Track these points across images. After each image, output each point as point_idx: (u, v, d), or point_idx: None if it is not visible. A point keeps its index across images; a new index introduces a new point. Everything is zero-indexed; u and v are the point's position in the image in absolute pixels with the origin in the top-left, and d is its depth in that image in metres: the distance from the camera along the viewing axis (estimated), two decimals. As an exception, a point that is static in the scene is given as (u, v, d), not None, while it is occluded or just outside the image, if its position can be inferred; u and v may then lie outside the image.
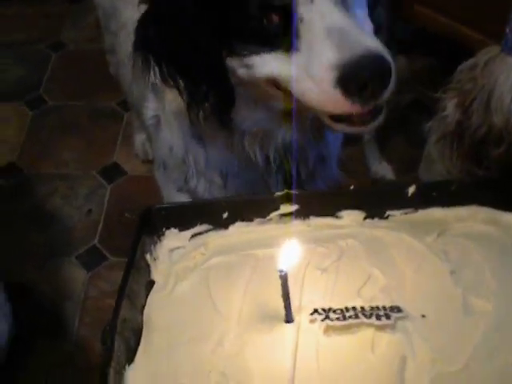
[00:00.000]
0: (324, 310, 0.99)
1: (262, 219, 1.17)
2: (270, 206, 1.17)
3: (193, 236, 1.16)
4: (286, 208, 1.16)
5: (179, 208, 1.19)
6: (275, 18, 1.14)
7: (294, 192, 1.16)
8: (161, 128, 1.55)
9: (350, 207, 1.16)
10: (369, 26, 1.20)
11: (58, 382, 2.13)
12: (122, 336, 0.99)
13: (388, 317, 0.96)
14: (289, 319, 0.99)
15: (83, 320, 2.40)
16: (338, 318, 0.97)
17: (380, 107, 1.16)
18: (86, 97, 3.28)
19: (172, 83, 1.27)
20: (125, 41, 1.46)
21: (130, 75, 1.76)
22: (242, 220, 1.17)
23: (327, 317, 0.97)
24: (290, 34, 1.13)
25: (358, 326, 0.96)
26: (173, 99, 1.42)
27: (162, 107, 1.52)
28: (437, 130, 1.42)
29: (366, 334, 0.96)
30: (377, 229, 1.13)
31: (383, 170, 2.69)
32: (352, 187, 1.17)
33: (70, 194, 2.86)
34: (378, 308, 0.98)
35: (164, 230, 1.16)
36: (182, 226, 1.16)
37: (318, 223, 1.16)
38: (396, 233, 1.11)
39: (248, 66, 1.19)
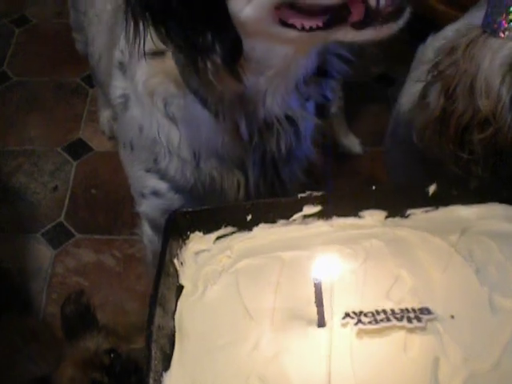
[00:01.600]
0: (355, 313, 1.01)
1: (285, 220, 1.19)
2: (293, 207, 1.18)
3: (217, 238, 1.18)
4: (308, 209, 1.18)
5: (203, 211, 1.20)
6: None
7: (316, 193, 1.17)
8: (130, 107, 1.52)
9: (372, 207, 1.18)
10: None
11: (23, 357, 2.07)
12: (158, 343, 1.01)
13: (419, 319, 0.98)
14: (321, 324, 1.01)
15: (50, 297, 2.41)
16: (370, 322, 0.99)
17: (402, 6, 1.13)
18: (51, 72, 3.26)
19: (172, 41, 1.22)
20: (94, 19, 1.44)
21: (97, 53, 1.77)
22: (266, 222, 1.19)
23: (359, 321, 0.99)
24: None
25: (390, 328, 0.99)
26: (146, 79, 1.40)
27: (131, 86, 1.49)
28: (419, 117, 1.41)
29: (397, 337, 0.98)
30: (399, 228, 1.15)
31: (351, 143, 2.73)
32: (374, 187, 1.18)
33: (34, 171, 2.86)
34: (407, 310, 1.00)
35: (189, 233, 1.17)
36: (207, 229, 1.18)
37: (341, 223, 1.18)
38: (419, 232, 1.13)
39: None
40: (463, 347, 0.96)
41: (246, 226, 1.18)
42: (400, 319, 0.99)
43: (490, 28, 1.23)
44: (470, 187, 1.17)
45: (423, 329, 0.98)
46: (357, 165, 2.74)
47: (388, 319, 0.99)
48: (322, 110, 1.42)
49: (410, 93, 1.59)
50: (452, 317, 1.00)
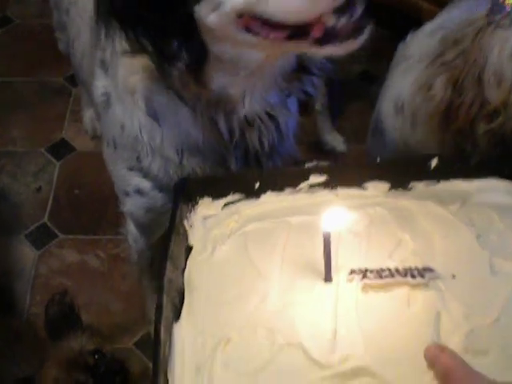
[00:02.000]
0: (361, 270, 1.04)
1: (292, 189, 1.22)
2: (299, 176, 1.22)
3: (225, 205, 1.21)
4: (315, 178, 1.21)
5: (212, 178, 1.24)
6: None
7: (322, 163, 1.21)
8: (111, 105, 1.51)
9: (375, 178, 1.21)
10: None
11: (7, 358, 2.08)
12: (169, 296, 1.04)
13: (422, 276, 1.02)
14: (328, 278, 1.04)
15: (34, 298, 2.39)
16: (375, 277, 1.03)
17: (363, 24, 1.14)
18: (33, 72, 3.23)
19: (142, 45, 1.24)
20: (76, 18, 1.43)
21: (80, 52, 1.75)
22: (273, 190, 1.22)
23: (365, 276, 1.03)
24: None
25: (394, 284, 1.02)
26: (126, 76, 1.40)
27: (113, 84, 1.49)
28: (421, 110, 1.43)
29: (401, 292, 1.02)
30: (402, 198, 1.19)
31: (335, 140, 2.74)
32: (378, 160, 1.22)
33: (17, 172, 2.82)
34: (411, 268, 1.04)
35: (198, 198, 1.20)
36: (215, 195, 1.21)
37: (346, 193, 1.21)
38: (421, 202, 1.17)
39: (217, 6, 1.16)
40: (464, 304, 1.00)
41: (254, 194, 1.21)
42: (404, 275, 1.02)
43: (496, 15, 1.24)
44: (470, 163, 1.21)
45: (426, 285, 1.02)
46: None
47: (392, 275, 1.03)
48: (305, 107, 1.41)
49: (391, 95, 1.61)
50: (453, 276, 1.04)
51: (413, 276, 1.02)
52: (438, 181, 1.21)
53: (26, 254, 2.54)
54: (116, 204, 1.73)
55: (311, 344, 0.97)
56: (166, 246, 1.08)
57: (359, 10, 1.12)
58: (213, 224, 1.18)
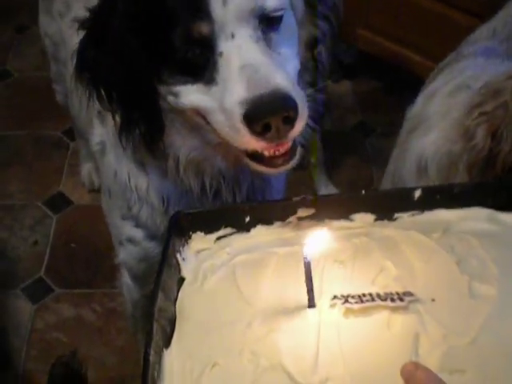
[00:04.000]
0: (343, 295, 1.08)
1: (281, 222, 1.26)
2: (288, 209, 1.26)
3: (217, 239, 1.25)
4: (303, 212, 1.26)
5: (204, 213, 1.29)
6: (197, 51, 1.20)
7: (309, 197, 1.26)
8: (107, 154, 1.57)
9: (362, 210, 1.26)
10: (293, 65, 1.26)
11: None
12: (159, 323, 1.07)
13: (401, 300, 1.06)
14: (311, 304, 1.08)
15: (30, 353, 2.39)
16: (356, 302, 1.06)
17: (294, 149, 1.23)
18: (31, 126, 3.27)
19: (108, 107, 1.32)
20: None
21: (77, 102, 1.80)
22: (263, 223, 1.26)
23: (346, 301, 1.07)
24: (211, 67, 1.20)
25: (375, 308, 1.06)
26: (115, 124, 1.45)
27: (106, 133, 1.55)
28: (461, 160, 1.50)
29: (381, 316, 1.05)
30: (387, 228, 1.23)
31: (331, 193, 2.75)
32: (363, 192, 1.27)
33: (14, 225, 2.83)
34: (391, 293, 1.08)
35: (191, 233, 1.25)
36: (208, 230, 1.25)
37: (333, 225, 1.25)
38: (405, 231, 1.21)
39: (174, 95, 1.25)
40: (442, 325, 1.03)
41: (245, 228, 1.25)
42: (384, 300, 1.06)
43: None
44: (452, 192, 1.25)
45: (405, 308, 1.05)
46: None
47: (373, 299, 1.06)
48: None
49: (412, 158, 1.68)
50: (433, 300, 1.07)
51: (392, 300, 1.06)
52: (423, 211, 1.25)
53: (22, 308, 2.54)
54: (111, 257, 1.77)
55: (293, 366, 1.00)
56: (158, 277, 1.13)
57: (288, 145, 1.21)
58: (205, 257, 1.23)
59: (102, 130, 1.59)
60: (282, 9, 1.25)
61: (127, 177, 1.52)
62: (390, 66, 3.12)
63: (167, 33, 1.20)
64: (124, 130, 1.33)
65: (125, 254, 1.70)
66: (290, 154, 1.24)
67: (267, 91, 1.12)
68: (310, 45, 1.42)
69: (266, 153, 1.22)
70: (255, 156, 1.25)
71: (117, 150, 1.52)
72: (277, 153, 1.22)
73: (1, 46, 3.82)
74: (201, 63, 1.21)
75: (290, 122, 1.14)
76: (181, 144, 1.39)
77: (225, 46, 1.18)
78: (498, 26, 1.98)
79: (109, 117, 1.48)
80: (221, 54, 1.19)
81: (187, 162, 1.41)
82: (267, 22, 1.23)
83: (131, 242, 1.64)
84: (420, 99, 1.84)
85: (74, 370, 1.96)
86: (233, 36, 1.18)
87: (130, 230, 1.61)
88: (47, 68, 2.49)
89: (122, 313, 2.28)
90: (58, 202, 2.95)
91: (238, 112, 1.14)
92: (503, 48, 1.87)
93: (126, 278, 1.88)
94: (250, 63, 1.16)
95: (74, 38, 1.62)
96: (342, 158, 3.02)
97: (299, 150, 1.25)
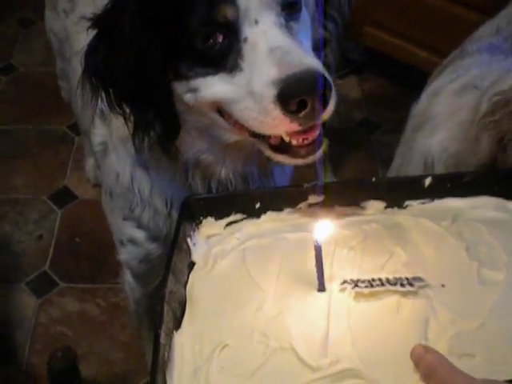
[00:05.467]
0: (353, 280, 1.09)
1: (291, 209, 1.27)
2: (299, 196, 1.26)
3: (228, 224, 1.26)
4: (313, 198, 1.26)
5: (216, 198, 1.30)
6: (220, 38, 1.19)
7: (320, 184, 1.26)
8: (108, 155, 1.56)
9: (372, 198, 1.26)
10: (311, 55, 1.22)
11: None
12: (170, 305, 1.08)
13: (411, 284, 1.07)
14: (321, 288, 1.09)
15: (34, 347, 2.38)
16: (366, 286, 1.07)
17: (320, 139, 1.21)
18: (37, 120, 3.25)
19: (118, 110, 1.30)
20: (78, 67, 1.46)
21: (81, 102, 1.75)
22: (273, 210, 1.27)
23: (356, 285, 1.07)
24: (234, 54, 1.18)
25: (384, 293, 1.07)
26: (120, 125, 1.43)
27: (109, 133, 1.54)
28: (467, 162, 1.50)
29: (391, 300, 1.06)
30: (397, 215, 1.23)
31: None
32: (373, 179, 1.27)
33: (19, 220, 2.83)
34: (401, 278, 1.08)
35: (201, 218, 1.26)
36: (218, 215, 1.26)
37: (343, 211, 1.26)
38: (414, 218, 1.22)
39: (193, 90, 1.23)
40: (451, 310, 1.04)
41: (255, 214, 1.26)
42: (394, 284, 1.07)
43: None
44: (462, 181, 1.25)
45: (415, 293, 1.06)
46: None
47: (383, 284, 1.07)
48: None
49: (418, 155, 1.69)
50: (442, 285, 1.08)
51: (402, 285, 1.07)
52: (433, 199, 1.25)
53: (27, 302, 2.54)
54: (116, 252, 1.76)
55: (303, 348, 1.01)
56: (168, 260, 1.13)
57: (316, 133, 1.18)
58: (215, 242, 1.23)
59: (104, 131, 1.58)
60: None
61: (130, 179, 1.51)
62: (397, 62, 3.12)
63: (187, 21, 1.19)
64: (138, 131, 1.31)
65: (126, 254, 1.69)
66: (316, 144, 1.21)
67: (301, 69, 1.10)
68: (318, 46, 1.41)
69: (294, 141, 1.19)
70: (279, 147, 1.23)
71: (119, 152, 1.51)
72: (305, 141, 1.19)
73: (6, 40, 3.81)
74: (223, 51, 1.19)
75: (324, 101, 1.12)
76: (190, 146, 1.38)
77: (249, 32, 1.17)
78: (502, 23, 1.99)
79: (112, 118, 1.48)
80: (245, 39, 1.17)
81: (195, 166, 1.41)
82: (289, 9, 1.22)
83: (132, 242, 1.63)
84: (424, 96, 1.85)
85: (71, 364, 2.00)
86: (256, 22, 1.17)
87: (131, 230, 1.60)
88: (52, 63, 2.47)
89: (126, 308, 2.27)
90: (63, 197, 2.94)
91: (270, 93, 1.11)
92: (507, 45, 1.87)
93: (127, 277, 1.88)
94: (279, 45, 1.15)
95: (79, 37, 1.65)
96: (347, 154, 3.02)
97: (326, 140, 1.23)
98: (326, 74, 1.12)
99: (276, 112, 1.12)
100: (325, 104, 1.13)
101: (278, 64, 1.12)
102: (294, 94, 1.10)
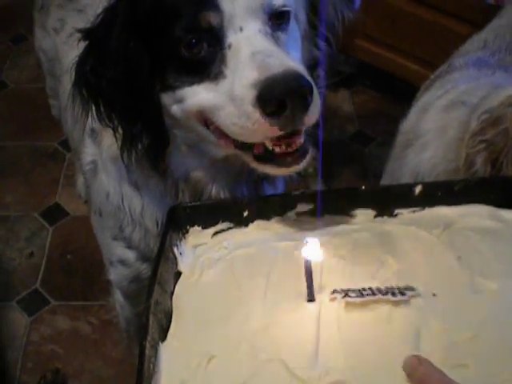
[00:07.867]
0: (343, 290, 1.07)
1: (279, 217, 1.24)
2: (287, 204, 1.24)
3: (215, 233, 1.24)
4: (302, 207, 1.24)
5: (202, 206, 1.27)
6: (205, 45, 1.18)
7: (308, 192, 1.24)
8: (98, 174, 1.54)
9: (362, 206, 1.24)
10: (297, 63, 1.20)
11: None
12: (155, 316, 1.06)
13: (403, 294, 1.04)
14: (311, 298, 1.06)
15: (25, 365, 2.36)
16: (356, 296, 1.05)
17: (305, 148, 1.19)
18: (27, 137, 3.24)
19: (108, 122, 1.28)
20: (68, 85, 1.43)
21: (71, 120, 1.75)
22: (261, 218, 1.24)
23: (346, 295, 1.05)
24: (218, 61, 1.17)
25: (376, 302, 1.04)
26: (110, 144, 1.42)
27: (99, 152, 1.52)
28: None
29: (382, 310, 1.04)
30: (387, 224, 1.21)
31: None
32: (363, 187, 1.25)
33: (10, 237, 2.80)
34: (392, 288, 1.06)
35: (188, 227, 1.23)
36: (205, 224, 1.23)
37: (332, 220, 1.24)
38: (405, 226, 1.20)
39: (180, 101, 1.22)
40: (444, 320, 1.02)
41: (243, 222, 1.24)
42: (385, 294, 1.04)
43: None
44: (453, 189, 1.23)
45: (406, 303, 1.04)
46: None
47: (374, 294, 1.05)
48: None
49: (408, 173, 1.68)
50: (434, 295, 1.06)
51: (393, 294, 1.04)
52: (423, 208, 1.23)
53: (18, 320, 2.52)
54: (106, 272, 1.74)
55: (293, 360, 0.98)
56: (154, 270, 1.11)
57: (300, 140, 1.16)
58: (202, 251, 1.21)
59: (94, 150, 1.56)
60: (289, 6, 1.24)
61: (120, 198, 1.49)
62: (388, 75, 3.12)
63: (173, 29, 1.18)
64: (126, 144, 1.29)
65: (116, 275, 1.67)
66: (301, 152, 1.19)
67: (280, 70, 1.08)
68: (310, 66, 1.39)
69: (277, 149, 1.17)
70: (264, 157, 1.21)
71: (109, 171, 1.49)
72: (289, 149, 1.17)
73: (-4, 56, 3.78)
74: (208, 58, 1.18)
75: (304, 104, 1.10)
76: (180, 163, 1.37)
77: (233, 38, 1.16)
78: (489, 37, 1.98)
79: (102, 136, 1.47)
80: (229, 46, 1.16)
81: (185, 183, 1.39)
82: (276, 19, 1.21)
83: (122, 263, 1.61)
84: (413, 113, 1.84)
85: None
86: (241, 29, 1.16)
87: (121, 250, 1.59)
88: (43, 80, 2.46)
89: (117, 325, 2.23)
90: (54, 213, 2.92)
91: (249, 96, 1.10)
92: (495, 59, 1.86)
93: (118, 296, 1.86)
94: (261, 50, 1.13)
95: (69, 55, 1.64)
96: (340, 168, 3.01)
97: (311, 150, 1.21)
98: (309, 78, 1.10)
99: (256, 115, 1.10)
100: (306, 107, 1.10)
101: (259, 67, 1.11)
102: (272, 94, 1.08)
